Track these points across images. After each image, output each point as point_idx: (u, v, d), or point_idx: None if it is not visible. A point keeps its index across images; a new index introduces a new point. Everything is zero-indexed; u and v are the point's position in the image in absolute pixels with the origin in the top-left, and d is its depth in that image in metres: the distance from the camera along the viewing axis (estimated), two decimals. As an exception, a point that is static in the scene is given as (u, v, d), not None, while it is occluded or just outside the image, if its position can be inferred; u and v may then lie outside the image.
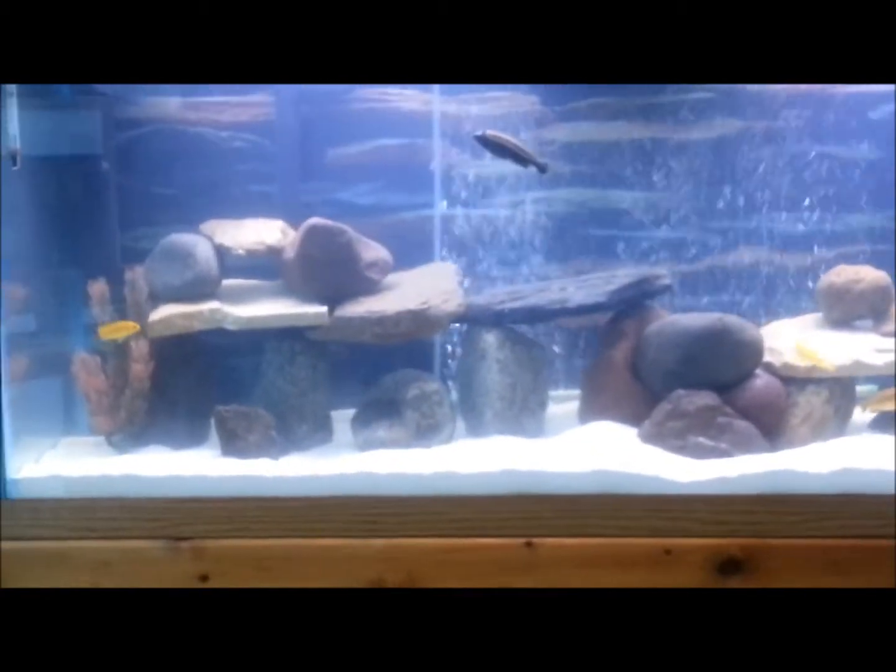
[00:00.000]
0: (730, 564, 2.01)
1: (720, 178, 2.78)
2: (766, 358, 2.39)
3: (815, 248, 2.77)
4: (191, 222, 2.59)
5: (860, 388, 2.45)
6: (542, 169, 2.51)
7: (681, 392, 2.30)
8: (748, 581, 2.00)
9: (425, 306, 2.40)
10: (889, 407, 2.32)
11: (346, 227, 2.48)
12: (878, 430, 2.35)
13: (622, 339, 2.49)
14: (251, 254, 2.50)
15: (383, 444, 2.33)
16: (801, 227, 2.77)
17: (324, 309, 2.40)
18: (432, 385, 2.41)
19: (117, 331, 2.35)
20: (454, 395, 2.54)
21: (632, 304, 2.52)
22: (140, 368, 2.35)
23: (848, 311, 2.51)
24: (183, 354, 2.45)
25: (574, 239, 2.80)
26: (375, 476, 2.15)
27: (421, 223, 2.79)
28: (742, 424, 2.27)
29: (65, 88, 2.60)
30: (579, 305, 2.47)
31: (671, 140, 2.78)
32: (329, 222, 2.46)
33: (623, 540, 2.05)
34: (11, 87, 2.27)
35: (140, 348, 2.35)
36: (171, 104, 2.76)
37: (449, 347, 2.76)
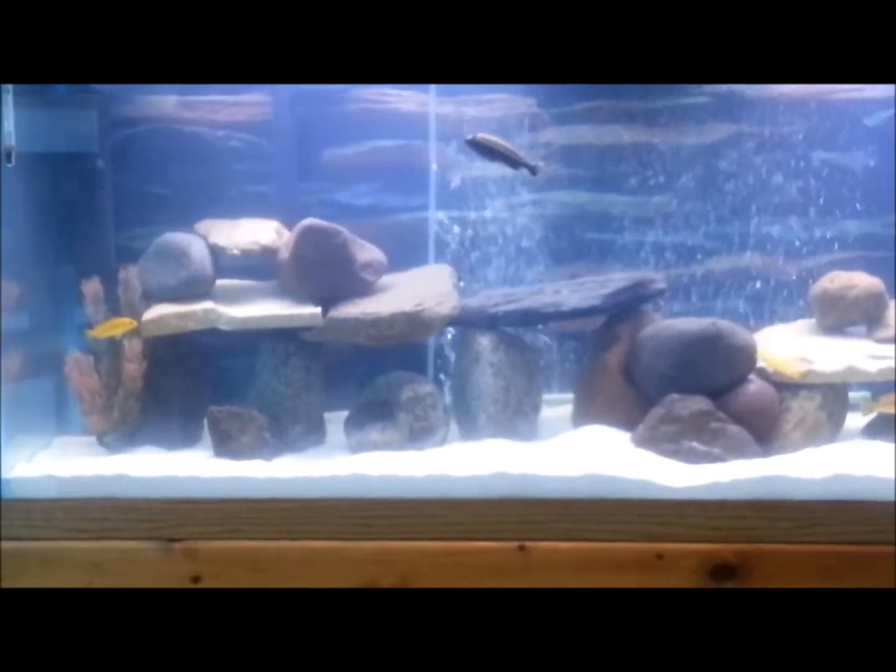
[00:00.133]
0: (722, 569, 2.01)
1: (715, 182, 2.79)
2: (760, 363, 2.39)
3: (809, 253, 2.78)
4: (185, 222, 2.59)
5: (853, 395, 2.46)
6: (533, 171, 2.51)
7: (674, 396, 2.30)
8: (741, 586, 2.00)
9: (420, 308, 2.39)
10: (892, 410, 2.32)
11: (341, 228, 2.47)
12: (871, 436, 2.35)
13: (616, 342, 2.49)
14: (246, 254, 2.50)
15: (376, 446, 2.32)
16: (795, 232, 2.78)
17: (318, 310, 2.40)
18: (426, 387, 2.41)
19: (114, 327, 2.34)
20: (448, 398, 2.54)
21: (626, 307, 2.52)
22: (133, 368, 2.35)
23: (841, 317, 2.52)
24: (176, 354, 2.45)
25: (569, 242, 2.80)
26: (368, 478, 2.14)
27: (417, 225, 2.78)
28: (735, 429, 2.27)
29: (61, 87, 2.60)
30: (574, 309, 2.47)
31: (667, 144, 2.78)
32: (324, 223, 2.46)
33: (616, 544, 2.05)
34: (7, 85, 2.26)
35: (133, 348, 2.34)
36: (167, 103, 2.75)
37: (443, 350, 2.75)
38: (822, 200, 2.76)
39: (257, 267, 2.60)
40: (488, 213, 2.80)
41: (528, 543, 2.05)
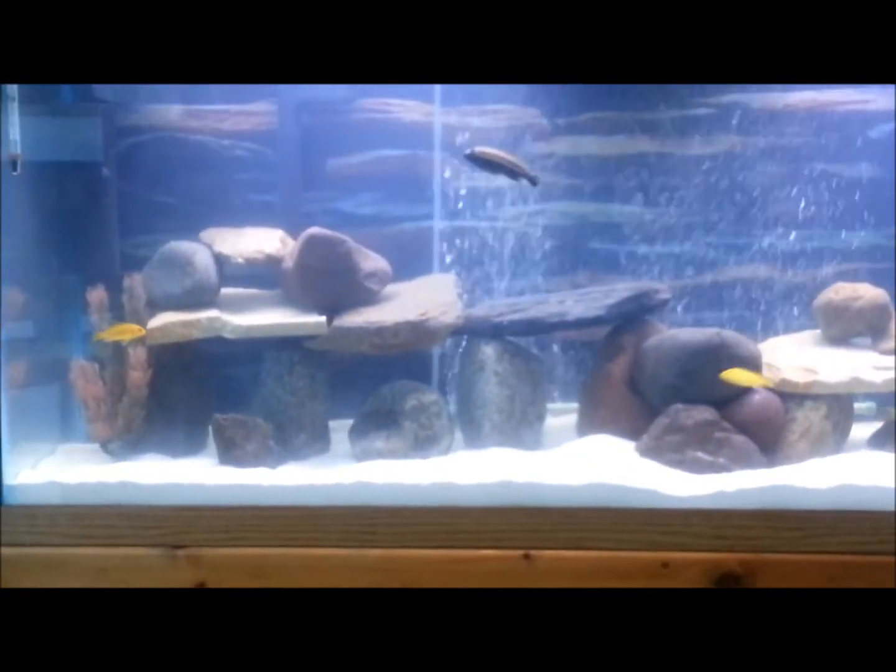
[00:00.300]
0: (727, 579, 2.01)
1: (719, 193, 2.79)
2: (765, 374, 2.39)
3: (814, 264, 2.78)
4: (190, 230, 2.59)
5: (858, 405, 2.46)
6: (533, 181, 2.52)
7: (679, 406, 2.31)
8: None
9: (424, 317, 2.40)
10: None
11: (345, 237, 2.48)
12: (876, 446, 2.36)
13: (620, 352, 2.50)
14: (250, 263, 2.50)
15: (381, 454, 2.32)
16: (799, 243, 2.78)
17: (322, 319, 2.40)
18: (430, 396, 2.41)
19: (122, 333, 2.34)
20: (452, 407, 2.54)
21: (630, 318, 2.52)
22: (138, 376, 2.35)
23: (846, 328, 2.52)
24: (181, 362, 2.44)
25: (573, 252, 2.81)
26: (373, 486, 2.14)
27: (420, 234, 2.79)
28: (740, 439, 2.27)
29: (67, 94, 2.61)
30: (578, 318, 2.47)
31: (670, 155, 2.78)
32: (328, 232, 2.46)
33: (621, 553, 2.05)
34: (13, 93, 2.27)
35: (138, 356, 2.34)
36: (172, 112, 2.76)
37: (448, 359, 2.75)
38: (826, 212, 2.77)
39: (262, 276, 2.60)
40: (492, 223, 2.80)
41: (532, 552, 2.05)
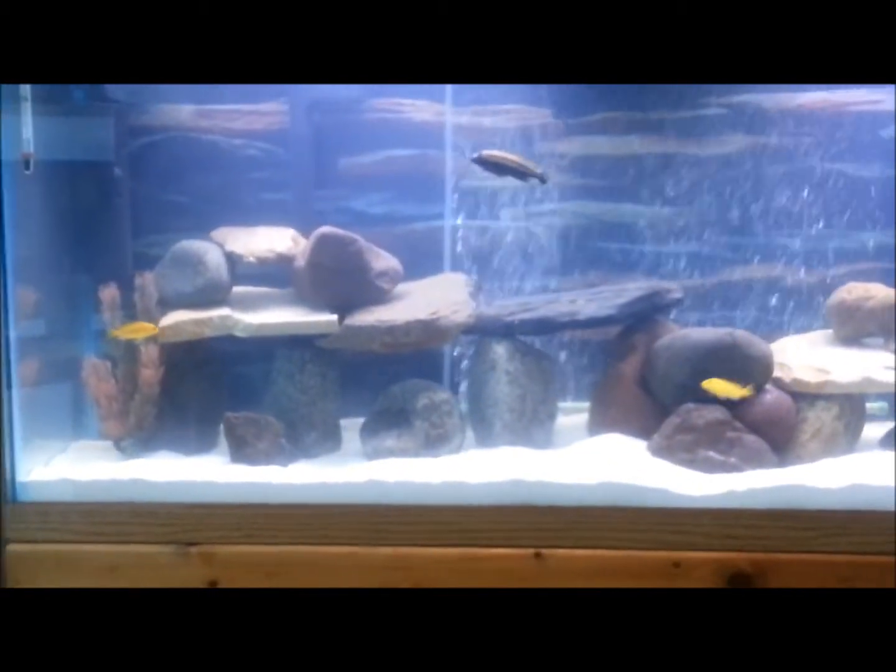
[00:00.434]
0: (739, 578, 2.01)
1: (731, 193, 2.79)
2: (776, 373, 2.38)
3: (826, 264, 2.77)
4: (202, 229, 2.60)
5: (869, 406, 2.45)
6: (542, 180, 2.52)
7: (690, 406, 2.30)
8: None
9: (435, 316, 2.40)
10: None
11: (356, 236, 2.48)
12: (888, 446, 2.35)
13: (632, 352, 2.50)
14: (262, 261, 2.50)
15: (392, 453, 2.32)
16: (811, 243, 2.78)
17: (334, 317, 2.40)
18: (442, 395, 2.41)
19: (136, 331, 2.35)
20: (463, 406, 2.54)
21: (642, 317, 2.52)
22: (150, 374, 2.35)
23: (858, 328, 2.51)
24: (193, 361, 2.45)
25: (585, 251, 2.81)
26: (384, 485, 2.15)
27: (432, 233, 2.79)
28: (751, 439, 2.27)
29: (79, 94, 2.61)
30: (590, 318, 2.47)
31: (682, 155, 2.78)
32: (340, 231, 2.47)
33: (632, 552, 2.05)
34: (26, 92, 2.28)
35: (150, 354, 2.35)
36: (184, 112, 2.77)
37: (459, 358, 2.76)
38: (838, 211, 2.76)
39: (273, 274, 2.61)
40: (503, 223, 2.80)
41: (543, 551, 2.05)
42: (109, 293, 2.39)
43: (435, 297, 2.50)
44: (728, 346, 2.34)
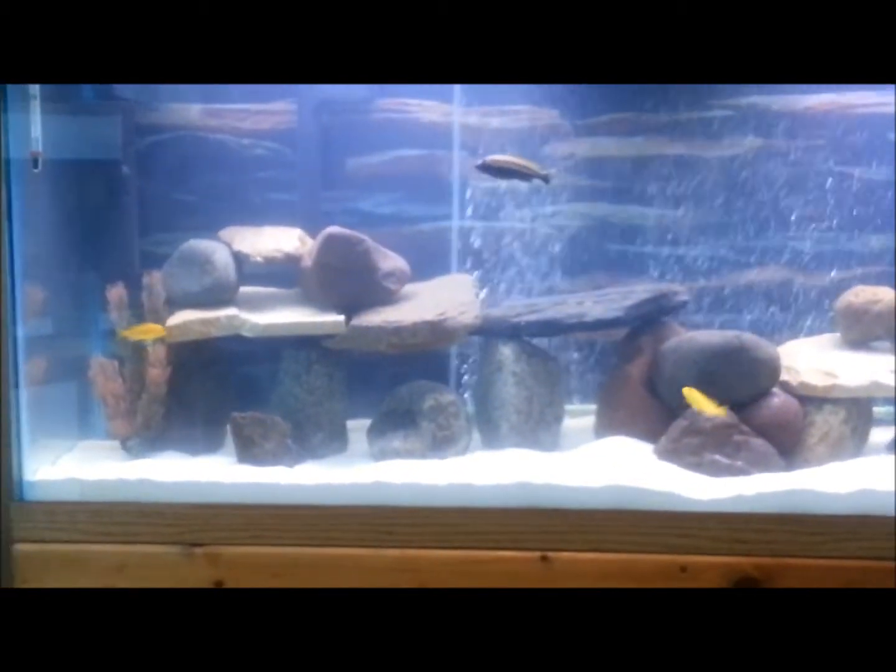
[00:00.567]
0: (745, 583, 2.01)
1: (739, 195, 2.78)
2: (783, 377, 2.38)
3: (834, 267, 2.77)
4: (210, 229, 2.60)
5: (877, 410, 2.44)
6: (545, 180, 2.52)
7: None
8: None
9: (442, 317, 2.40)
10: None
11: (363, 236, 2.48)
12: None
13: (639, 354, 2.49)
14: (269, 261, 2.50)
15: (398, 454, 2.32)
16: (819, 246, 2.77)
17: (341, 318, 2.40)
18: (448, 396, 2.41)
19: (144, 333, 2.35)
20: (470, 407, 2.54)
21: (649, 319, 2.52)
22: (157, 373, 2.35)
23: (866, 331, 2.51)
24: (200, 360, 2.45)
25: (592, 253, 2.80)
26: (390, 486, 2.15)
27: (439, 234, 2.79)
28: (758, 443, 2.27)
29: (87, 93, 2.62)
30: (596, 320, 2.47)
31: (690, 157, 2.78)
32: (347, 231, 2.46)
33: (638, 556, 2.05)
34: (35, 91, 2.28)
35: (157, 353, 2.35)
36: (192, 111, 2.77)
37: (465, 359, 2.75)
38: (846, 214, 2.75)
39: (280, 274, 2.60)
40: (510, 224, 2.80)
41: (550, 553, 2.05)
42: (117, 292, 2.39)
43: (442, 298, 2.50)
44: (735, 349, 2.34)
